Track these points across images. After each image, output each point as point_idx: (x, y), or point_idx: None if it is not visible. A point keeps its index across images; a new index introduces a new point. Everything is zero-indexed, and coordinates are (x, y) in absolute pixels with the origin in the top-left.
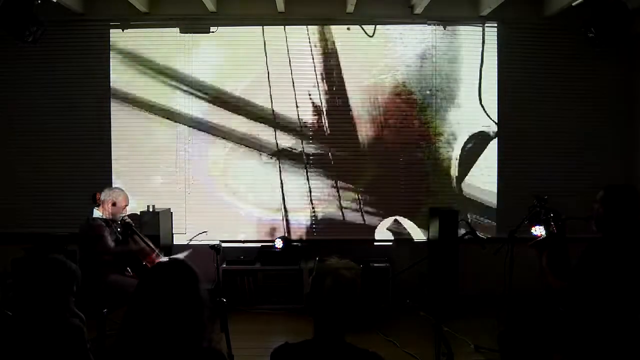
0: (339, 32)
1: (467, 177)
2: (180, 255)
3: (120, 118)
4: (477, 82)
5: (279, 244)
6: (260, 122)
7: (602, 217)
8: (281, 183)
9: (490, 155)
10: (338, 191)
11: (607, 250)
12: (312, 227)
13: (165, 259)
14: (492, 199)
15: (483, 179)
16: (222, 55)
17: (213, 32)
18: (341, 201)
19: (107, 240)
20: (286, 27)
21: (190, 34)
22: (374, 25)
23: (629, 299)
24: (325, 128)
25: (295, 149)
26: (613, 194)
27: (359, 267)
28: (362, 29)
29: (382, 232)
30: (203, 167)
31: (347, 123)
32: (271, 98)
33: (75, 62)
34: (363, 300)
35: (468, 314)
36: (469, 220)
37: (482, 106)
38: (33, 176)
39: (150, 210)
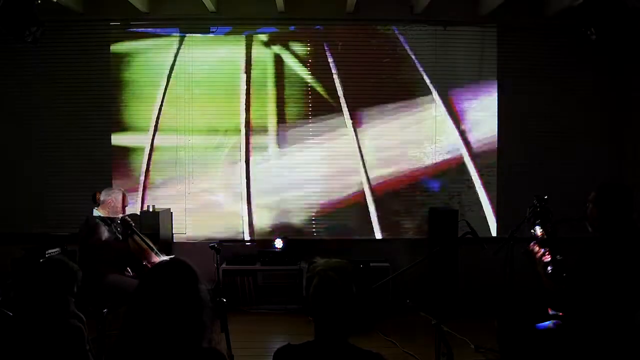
0: (337, 33)
1: (465, 177)
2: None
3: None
4: (476, 82)
5: (279, 244)
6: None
7: (596, 218)
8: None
9: (489, 155)
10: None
11: (603, 250)
12: (312, 227)
13: (165, 258)
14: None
15: (483, 179)
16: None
17: (213, 32)
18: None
19: (100, 233)
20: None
21: (190, 34)
22: (373, 25)
23: (626, 299)
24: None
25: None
26: (606, 193)
27: (349, 267)
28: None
29: (382, 232)
30: (203, 166)
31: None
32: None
33: (75, 62)
34: (355, 300)
35: (468, 314)
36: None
37: (481, 106)
38: (33, 176)
39: (150, 210)
